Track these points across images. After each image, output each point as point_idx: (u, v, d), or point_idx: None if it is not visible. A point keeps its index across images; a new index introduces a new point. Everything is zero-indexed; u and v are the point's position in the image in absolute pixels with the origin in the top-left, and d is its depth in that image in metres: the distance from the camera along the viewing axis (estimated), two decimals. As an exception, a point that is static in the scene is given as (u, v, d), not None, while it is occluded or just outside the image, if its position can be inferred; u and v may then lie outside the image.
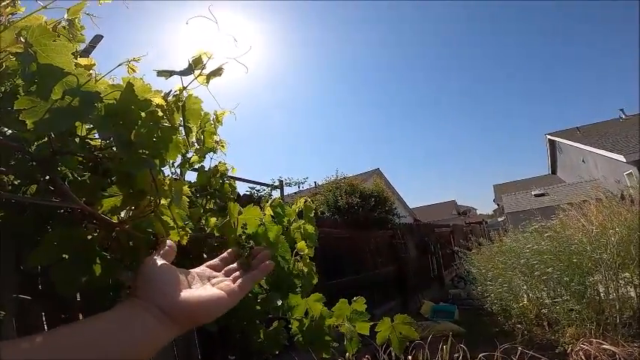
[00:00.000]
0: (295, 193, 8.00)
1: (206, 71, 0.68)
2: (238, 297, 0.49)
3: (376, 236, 6.10)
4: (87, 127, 0.72)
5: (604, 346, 2.46)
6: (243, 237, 0.76)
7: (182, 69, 0.65)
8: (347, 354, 1.37)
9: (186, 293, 0.44)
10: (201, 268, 0.55)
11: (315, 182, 8.29)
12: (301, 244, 0.90)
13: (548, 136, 22.49)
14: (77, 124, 0.69)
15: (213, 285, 0.50)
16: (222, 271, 0.55)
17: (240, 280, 0.51)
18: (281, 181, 5.33)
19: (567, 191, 15.02)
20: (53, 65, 0.43)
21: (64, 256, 0.71)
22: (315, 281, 0.96)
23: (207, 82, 0.69)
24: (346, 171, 8.77)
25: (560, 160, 23.02)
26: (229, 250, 0.60)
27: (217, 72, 0.68)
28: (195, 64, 0.66)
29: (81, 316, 1.48)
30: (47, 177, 0.73)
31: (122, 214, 0.76)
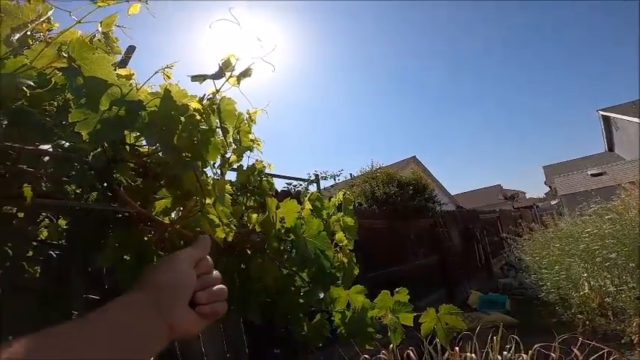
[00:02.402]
0: (331, 186, 8.02)
1: (236, 73, 0.69)
2: (211, 320, 0.49)
3: (417, 225, 5.95)
4: (134, 134, 0.78)
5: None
6: (282, 231, 0.78)
7: (213, 72, 0.68)
8: (391, 345, 1.37)
9: (189, 314, 0.44)
10: None
11: (350, 174, 8.24)
12: (340, 235, 0.90)
13: (601, 112, 20.45)
14: (126, 132, 0.74)
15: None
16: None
17: (211, 307, 0.48)
18: (317, 175, 5.36)
19: (627, 169, 13.55)
20: (97, 77, 0.47)
21: (125, 257, 0.78)
22: (356, 272, 0.96)
23: (239, 83, 0.71)
24: (381, 161, 8.60)
25: (616, 137, 20.87)
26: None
27: (246, 72, 0.70)
28: (225, 66, 0.68)
29: None
30: (105, 184, 0.79)
31: (172, 215, 0.81)
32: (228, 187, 0.74)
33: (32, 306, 0.88)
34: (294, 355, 2.01)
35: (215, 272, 0.52)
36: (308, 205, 0.92)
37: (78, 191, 0.89)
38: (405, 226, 5.58)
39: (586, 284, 3.85)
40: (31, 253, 0.94)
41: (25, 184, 0.79)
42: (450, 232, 7.03)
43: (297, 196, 1.06)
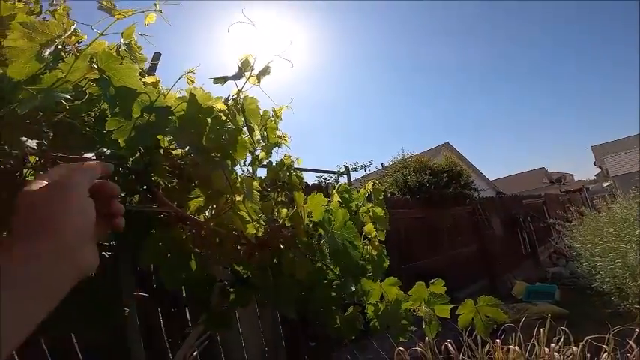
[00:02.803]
0: (362, 177, 7.95)
1: (255, 72, 0.70)
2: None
3: (454, 214, 5.75)
4: (168, 138, 0.82)
5: None
6: (310, 225, 0.79)
7: (233, 74, 0.69)
8: (427, 338, 1.34)
9: (94, 250, 0.42)
10: None
11: (382, 164, 8.11)
12: (369, 227, 0.89)
13: None
14: (159, 136, 0.78)
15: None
16: None
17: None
18: (347, 167, 5.32)
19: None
20: (127, 87, 0.50)
21: (167, 255, 0.83)
22: (386, 265, 0.95)
23: (259, 82, 0.72)
24: (413, 149, 8.38)
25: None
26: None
27: (265, 70, 0.71)
28: (244, 66, 0.69)
29: (187, 310, 1.73)
30: (144, 187, 0.84)
31: (207, 213, 0.85)
32: (255, 184, 0.75)
33: (89, 305, 0.97)
34: (329, 347, 2.04)
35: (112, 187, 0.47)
36: (336, 198, 0.92)
37: (122, 194, 0.96)
38: (441, 215, 5.41)
39: (646, 272, 3.51)
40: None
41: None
42: (490, 220, 6.71)
43: (327, 189, 1.06)
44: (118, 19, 0.57)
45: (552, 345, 1.55)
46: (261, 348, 2.03)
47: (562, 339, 1.62)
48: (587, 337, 1.54)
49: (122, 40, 0.60)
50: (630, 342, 1.48)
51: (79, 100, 0.55)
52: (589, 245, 4.69)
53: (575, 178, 31.50)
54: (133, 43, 0.63)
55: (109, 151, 0.76)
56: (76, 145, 0.49)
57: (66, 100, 0.49)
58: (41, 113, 0.53)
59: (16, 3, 0.55)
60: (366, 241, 0.92)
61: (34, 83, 0.48)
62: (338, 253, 0.76)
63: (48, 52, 0.48)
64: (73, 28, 0.50)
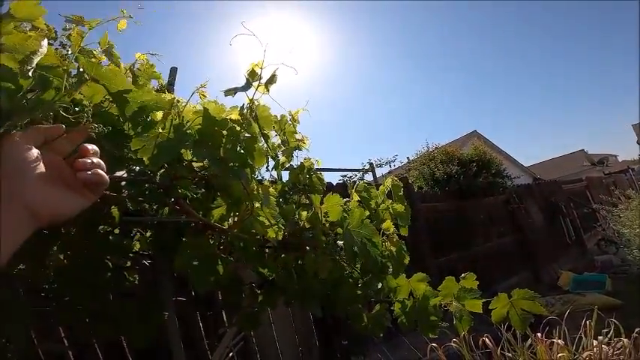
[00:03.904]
0: (388, 172, 7.83)
1: (263, 80, 0.73)
2: (92, 199, 0.46)
3: (486, 204, 5.52)
4: (190, 151, 0.86)
5: None
6: (327, 225, 0.80)
7: (242, 85, 0.72)
8: (462, 333, 1.31)
9: (50, 190, 0.42)
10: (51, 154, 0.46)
11: (407, 157, 7.95)
12: (387, 224, 0.89)
13: None
14: (182, 151, 0.83)
15: (63, 178, 0.45)
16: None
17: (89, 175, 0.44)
18: (371, 164, 5.28)
19: None
20: (142, 106, 0.53)
21: (196, 261, 0.88)
22: (406, 260, 0.95)
23: (268, 91, 0.74)
24: (439, 139, 8.13)
25: None
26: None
27: (272, 79, 0.73)
28: (251, 77, 0.72)
29: (224, 313, 1.80)
30: (172, 199, 0.90)
31: (229, 220, 0.89)
32: (272, 190, 0.78)
33: (134, 310, 1.04)
34: (362, 346, 2.04)
35: (91, 148, 0.47)
36: (355, 197, 0.93)
37: (155, 207, 1.03)
38: (472, 206, 5.22)
39: None
40: (129, 264, 1.11)
41: (113, 206, 0.93)
42: (527, 208, 6.39)
43: (346, 188, 1.07)
44: (90, 28, 0.60)
45: (600, 337, 1.46)
46: (296, 347, 2.07)
47: (612, 331, 1.52)
48: (637, 329, 1.43)
49: (137, 66, 0.64)
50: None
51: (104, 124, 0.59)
52: (638, 230, 4.34)
53: (619, 159, 29.17)
54: (143, 67, 0.67)
55: (137, 168, 0.82)
56: (109, 166, 0.53)
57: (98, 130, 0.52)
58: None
59: (29, 32, 0.58)
60: (384, 237, 0.92)
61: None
62: (355, 251, 0.77)
63: (30, 68, 0.48)
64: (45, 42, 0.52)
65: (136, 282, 1.12)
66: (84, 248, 0.84)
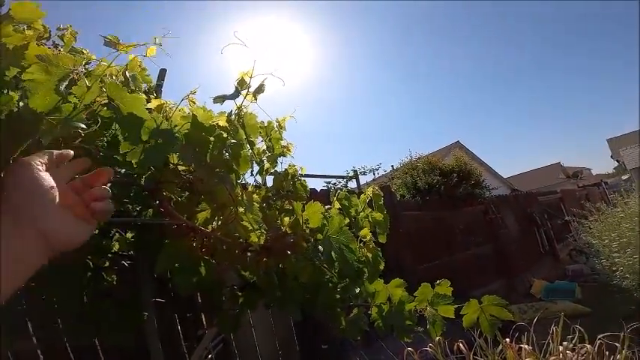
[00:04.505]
0: (372, 180, 7.93)
1: (252, 89, 0.76)
2: (95, 225, 0.46)
3: (466, 214, 5.68)
4: (177, 155, 0.88)
5: None
6: (308, 231, 0.83)
7: (231, 93, 0.75)
8: (438, 338, 1.36)
9: (62, 218, 0.41)
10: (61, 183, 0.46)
11: (391, 166, 8.09)
12: (364, 231, 0.93)
13: None
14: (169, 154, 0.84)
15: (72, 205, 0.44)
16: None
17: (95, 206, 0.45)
18: (355, 171, 5.35)
19: None
20: (134, 114, 0.55)
21: (179, 263, 0.89)
22: (381, 266, 0.99)
23: (256, 100, 0.77)
24: (423, 149, 8.31)
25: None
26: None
27: (260, 89, 0.76)
28: (241, 85, 0.75)
29: (203, 316, 1.79)
30: (157, 201, 0.91)
31: (213, 224, 0.91)
32: (255, 196, 0.80)
33: (112, 310, 1.04)
34: (342, 350, 2.07)
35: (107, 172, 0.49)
36: (337, 205, 0.97)
37: (138, 209, 1.03)
38: (452, 216, 5.36)
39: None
40: (107, 264, 1.11)
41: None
42: (504, 218, 6.60)
43: (329, 195, 1.10)
44: (121, 52, 0.63)
45: (565, 343, 1.54)
46: (276, 351, 2.08)
47: (577, 337, 1.61)
48: (599, 336, 1.52)
49: (127, 73, 0.66)
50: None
51: (93, 125, 0.61)
52: (606, 241, 4.58)
53: (594, 172, 30.60)
54: (137, 73, 0.69)
55: (123, 170, 0.83)
56: (92, 168, 0.54)
57: (81, 128, 0.54)
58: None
59: (26, 30, 0.59)
60: (361, 244, 0.96)
61: (54, 114, 0.53)
62: (333, 257, 0.80)
63: (64, 85, 0.53)
64: (83, 63, 0.55)
65: (114, 282, 1.11)
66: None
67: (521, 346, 1.55)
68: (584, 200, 9.21)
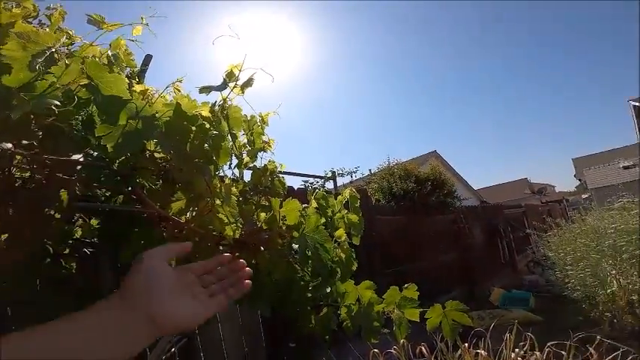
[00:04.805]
0: (350, 182, 8.02)
1: (240, 82, 0.75)
2: (214, 312, 0.51)
3: (436, 222, 5.87)
4: (154, 141, 0.85)
5: None
6: (284, 228, 0.83)
7: (218, 84, 0.74)
8: (402, 341, 1.40)
9: (175, 304, 0.46)
10: (185, 271, 0.53)
11: (369, 170, 8.22)
12: (339, 232, 0.95)
13: (632, 102, 19.18)
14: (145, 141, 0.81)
15: (193, 295, 0.50)
16: (199, 278, 0.53)
17: (218, 298, 0.52)
18: (333, 172, 5.40)
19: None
20: (115, 96, 0.54)
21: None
22: (354, 267, 1.01)
23: (243, 93, 0.77)
24: (402, 155, 8.52)
25: (649, 128, 19.57)
26: (214, 258, 0.58)
27: (249, 82, 0.75)
28: (229, 77, 0.74)
29: None
30: (129, 188, 0.88)
31: (188, 215, 0.89)
32: (234, 189, 0.80)
33: (69, 299, 0.99)
34: (310, 349, 2.08)
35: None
36: (314, 204, 0.97)
37: (107, 194, 0.99)
38: (424, 223, 5.52)
39: (614, 282, 3.70)
40: (67, 251, 1.05)
41: (62, 189, 0.89)
42: (471, 228, 6.88)
43: (306, 194, 1.11)
44: (106, 30, 0.60)
45: (517, 350, 1.64)
46: (242, 347, 2.05)
47: (528, 344, 1.71)
48: (548, 344, 1.63)
49: (109, 52, 0.64)
50: (590, 349, 1.58)
51: (68, 104, 0.58)
52: (562, 254, 4.89)
53: (557, 189, 32.57)
54: (120, 53, 0.66)
55: (95, 153, 0.79)
56: (64, 148, 0.52)
57: (56, 105, 0.52)
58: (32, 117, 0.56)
59: (14, 8, 0.58)
60: (336, 244, 0.97)
61: (27, 91, 0.51)
62: (307, 255, 0.81)
63: (39, 61, 0.51)
64: (63, 39, 0.53)
65: (73, 270, 1.06)
66: (25, 230, 0.79)
67: (478, 351, 1.63)
68: (545, 215, 9.76)
